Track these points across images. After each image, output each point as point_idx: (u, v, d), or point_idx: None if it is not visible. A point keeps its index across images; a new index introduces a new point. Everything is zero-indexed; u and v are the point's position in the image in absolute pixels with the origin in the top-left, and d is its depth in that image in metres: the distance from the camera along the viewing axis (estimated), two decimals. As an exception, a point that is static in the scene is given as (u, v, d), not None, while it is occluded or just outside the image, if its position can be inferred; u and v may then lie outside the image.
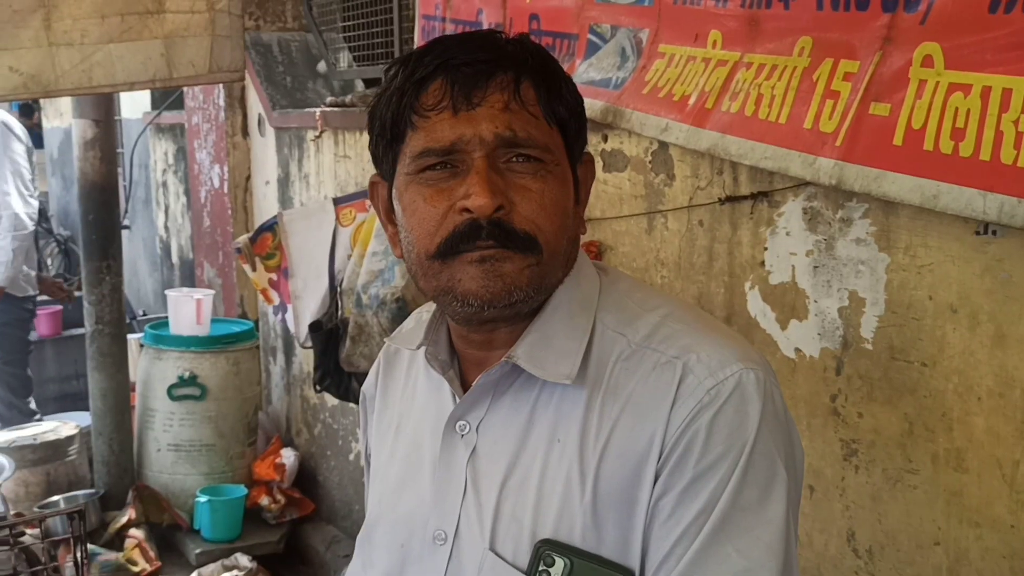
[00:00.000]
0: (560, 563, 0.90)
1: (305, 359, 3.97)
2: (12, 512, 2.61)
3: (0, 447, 3.23)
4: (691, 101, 1.91)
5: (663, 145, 2.04)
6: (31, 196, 4.12)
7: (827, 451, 1.75)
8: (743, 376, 0.90)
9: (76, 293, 5.01)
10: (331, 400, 3.76)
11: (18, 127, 4.19)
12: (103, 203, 3.31)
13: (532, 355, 0.94)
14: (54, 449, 3.49)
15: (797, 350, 1.79)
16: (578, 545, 0.90)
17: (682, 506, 0.89)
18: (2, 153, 4.01)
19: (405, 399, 1.09)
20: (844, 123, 1.56)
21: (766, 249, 1.84)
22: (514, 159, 0.91)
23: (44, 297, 5.25)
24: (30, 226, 4.06)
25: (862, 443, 1.69)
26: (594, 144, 2.24)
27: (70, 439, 3.56)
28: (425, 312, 1.08)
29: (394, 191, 0.98)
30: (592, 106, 2.15)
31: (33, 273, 4.30)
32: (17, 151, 4.06)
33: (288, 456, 3.72)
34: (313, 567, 3.57)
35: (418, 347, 1.03)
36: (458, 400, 0.99)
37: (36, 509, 2.88)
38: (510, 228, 0.90)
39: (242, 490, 3.50)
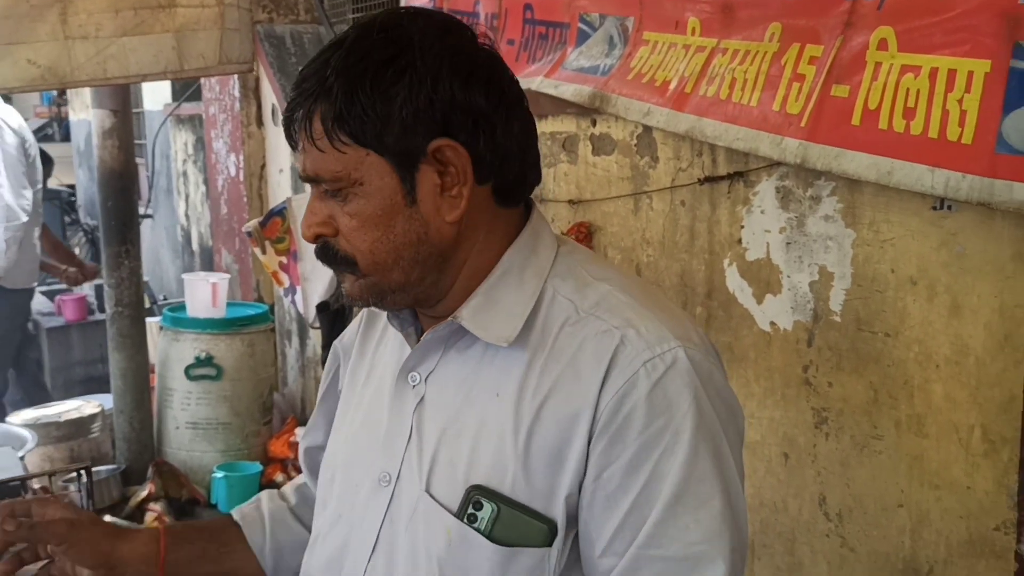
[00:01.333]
0: (488, 508, 0.96)
1: (318, 342, 4.09)
2: (38, 486, 2.74)
3: (26, 424, 3.37)
4: (672, 86, 1.98)
5: (647, 129, 2.12)
6: (24, 188, 4.12)
7: (800, 420, 1.83)
8: (680, 352, 0.95)
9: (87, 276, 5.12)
10: (343, 381, 3.86)
11: (14, 120, 4.21)
12: (121, 190, 3.43)
13: (476, 317, 1.00)
14: (77, 427, 3.63)
15: (772, 323, 1.87)
16: (507, 494, 0.96)
17: (629, 477, 0.93)
18: None
19: (379, 353, 1.17)
20: (809, 104, 1.63)
21: (743, 227, 1.91)
22: (325, 190, 1.00)
23: (62, 285, 5.38)
24: (23, 217, 4.05)
25: (832, 411, 1.77)
26: (584, 128, 2.32)
27: (93, 417, 3.70)
28: None
29: None
30: (581, 92, 2.24)
31: (33, 267, 4.29)
32: (11, 144, 4.09)
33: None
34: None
35: None
36: None
37: (61, 484, 3.01)
38: (334, 252, 1.01)
39: (257, 467, 3.62)
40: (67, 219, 7.39)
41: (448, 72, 0.96)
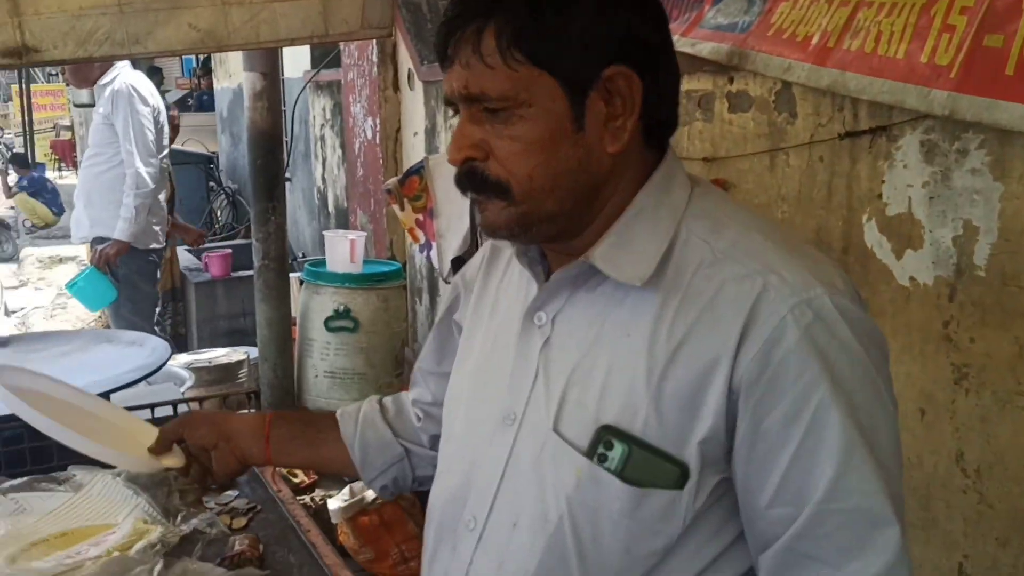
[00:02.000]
0: (619, 448, 0.95)
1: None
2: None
3: (181, 366, 3.63)
4: (814, 41, 1.98)
5: (786, 85, 2.12)
6: (152, 156, 4.28)
7: (939, 376, 1.82)
8: (826, 300, 0.92)
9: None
10: (472, 337, 3.99)
11: (146, 90, 4.36)
12: (269, 150, 3.61)
13: (609, 257, 0.98)
14: (226, 372, 3.88)
15: (911, 279, 1.86)
16: (639, 436, 0.95)
17: (788, 428, 0.91)
18: (128, 116, 4.21)
19: (503, 287, 1.16)
20: (959, 55, 1.61)
21: (884, 182, 1.90)
22: (483, 111, 0.97)
23: (210, 244, 5.67)
24: (151, 184, 4.23)
25: (973, 367, 1.75)
26: (720, 86, 2.33)
27: (240, 364, 3.95)
28: None
29: None
30: (718, 50, 2.25)
31: (158, 228, 4.45)
32: (142, 112, 4.25)
33: (432, 388, 3.98)
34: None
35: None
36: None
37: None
38: (483, 176, 0.98)
39: (390, 416, 3.78)
40: (211, 183, 7.78)
41: (627, 0, 0.97)
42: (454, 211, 3.12)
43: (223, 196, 7.74)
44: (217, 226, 7.60)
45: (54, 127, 16.63)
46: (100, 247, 4.27)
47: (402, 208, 3.20)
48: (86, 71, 4.31)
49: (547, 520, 0.99)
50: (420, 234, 3.24)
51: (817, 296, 0.92)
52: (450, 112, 1.05)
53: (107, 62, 4.16)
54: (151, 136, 4.28)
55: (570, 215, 1.00)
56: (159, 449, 1.31)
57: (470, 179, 0.99)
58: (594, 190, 1.00)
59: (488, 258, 1.21)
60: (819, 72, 1.94)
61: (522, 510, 1.02)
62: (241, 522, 1.47)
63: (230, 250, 5.52)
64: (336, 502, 3.33)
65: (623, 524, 0.96)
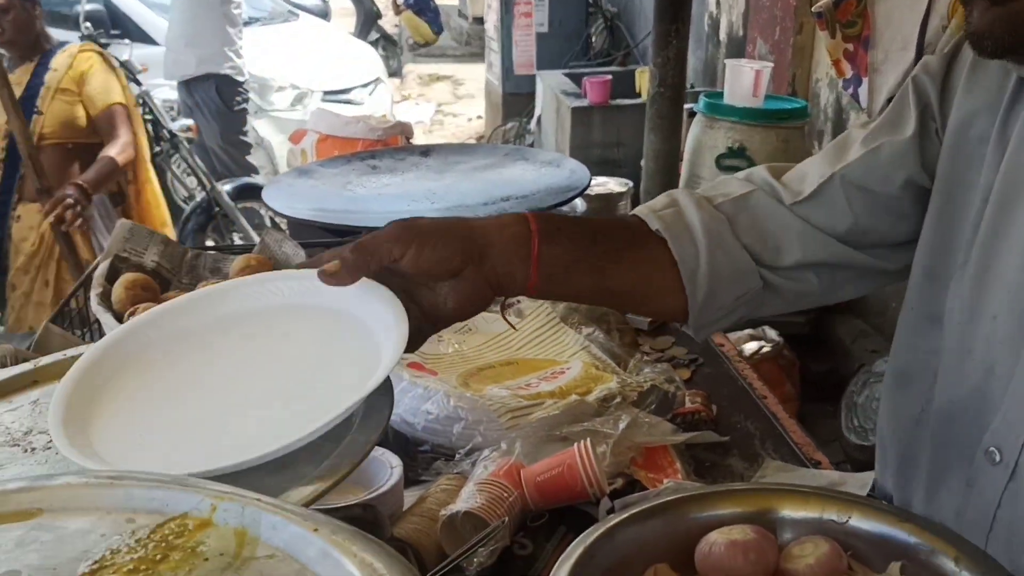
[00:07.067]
0: None
1: (854, 146, 3.75)
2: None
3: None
4: None
5: None
6: None
7: None
8: None
9: None
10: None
11: None
12: (680, -37, 3.31)
13: None
14: (606, 202, 3.77)
15: None
16: None
17: None
18: None
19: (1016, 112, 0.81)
20: None
21: None
22: None
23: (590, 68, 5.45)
24: None
25: None
26: None
27: (620, 195, 3.82)
28: None
29: None
30: None
31: None
32: None
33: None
34: (836, 355, 3.52)
35: None
36: None
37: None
38: None
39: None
40: (589, 8, 7.57)
41: None
42: (895, 42, 2.66)
43: (601, 20, 7.52)
44: (592, 52, 7.45)
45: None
46: None
47: (832, 35, 2.78)
48: None
49: None
50: (847, 67, 2.82)
51: None
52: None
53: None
54: None
55: None
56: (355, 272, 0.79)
57: None
58: None
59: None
60: None
61: None
62: (684, 374, 1.30)
63: (610, 76, 5.35)
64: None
65: None
